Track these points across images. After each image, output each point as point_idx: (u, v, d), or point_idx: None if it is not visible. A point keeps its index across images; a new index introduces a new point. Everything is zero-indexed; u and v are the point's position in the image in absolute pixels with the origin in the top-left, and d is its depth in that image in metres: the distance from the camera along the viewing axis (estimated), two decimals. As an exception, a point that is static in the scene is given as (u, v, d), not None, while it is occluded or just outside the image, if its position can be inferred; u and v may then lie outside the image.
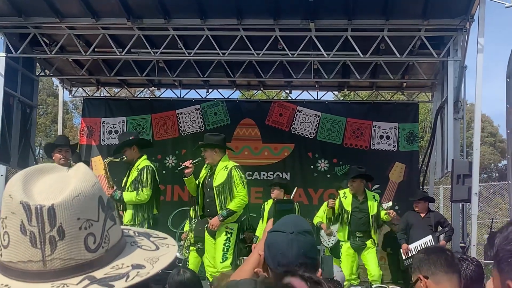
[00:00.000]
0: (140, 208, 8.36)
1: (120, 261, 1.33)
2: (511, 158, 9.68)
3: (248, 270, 2.83)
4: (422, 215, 10.59)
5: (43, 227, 1.25)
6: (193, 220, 9.87)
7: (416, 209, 10.62)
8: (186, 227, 10.87)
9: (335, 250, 10.26)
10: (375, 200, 9.93)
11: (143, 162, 8.48)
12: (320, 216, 10.48)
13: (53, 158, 8.83)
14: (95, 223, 1.30)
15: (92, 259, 1.29)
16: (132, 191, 8.30)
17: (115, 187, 8.72)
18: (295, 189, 11.04)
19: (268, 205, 10.63)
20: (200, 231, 9.04)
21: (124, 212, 8.54)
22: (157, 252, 1.39)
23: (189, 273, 3.68)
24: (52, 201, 1.26)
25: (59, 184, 1.31)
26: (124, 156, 8.58)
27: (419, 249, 9.81)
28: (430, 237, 10.02)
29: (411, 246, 10.07)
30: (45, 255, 1.26)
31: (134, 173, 8.41)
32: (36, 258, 1.26)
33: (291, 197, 10.47)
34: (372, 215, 9.73)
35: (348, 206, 9.81)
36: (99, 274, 1.29)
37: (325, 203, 10.72)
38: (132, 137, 8.74)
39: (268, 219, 9.90)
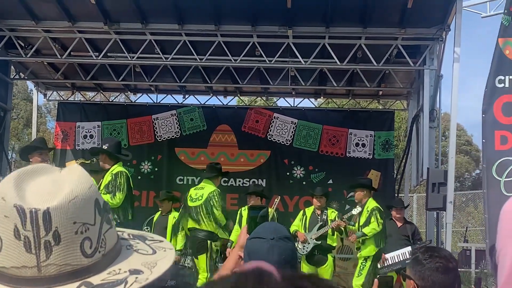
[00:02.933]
0: (114, 212, 8.30)
1: (117, 266, 1.28)
2: (485, 167, 9.80)
3: (227, 272, 2.80)
4: (399, 224, 10.63)
5: (38, 232, 1.20)
6: (146, 227, 10.98)
7: (398, 216, 10.65)
8: None
9: (311, 258, 10.26)
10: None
11: (117, 167, 8.45)
12: (296, 225, 10.47)
13: (31, 161, 8.65)
14: (91, 227, 1.25)
15: (88, 265, 1.24)
16: (105, 194, 8.24)
17: None
18: (277, 200, 11.14)
19: (245, 211, 10.68)
20: None
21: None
22: (154, 256, 1.34)
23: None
24: (48, 204, 1.21)
25: (53, 186, 1.26)
26: (94, 158, 8.54)
27: (396, 259, 9.87)
28: (409, 248, 9.99)
29: (388, 256, 10.06)
30: (40, 260, 1.20)
31: (108, 178, 8.38)
32: (31, 263, 1.20)
33: (274, 207, 10.56)
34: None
35: None
36: (95, 280, 1.24)
37: (301, 211, 10.76)
38: (108, 144, 8.70)
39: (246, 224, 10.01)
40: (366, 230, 9.87)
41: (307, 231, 10.29)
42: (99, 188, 8.40)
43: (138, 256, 1.33)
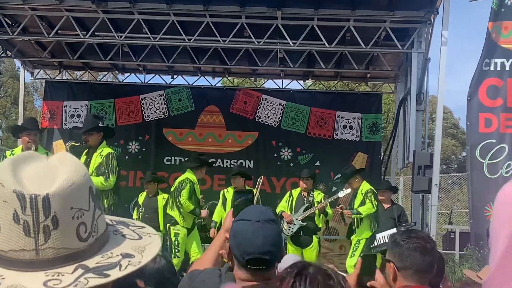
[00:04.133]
0: (106, 194, 8.26)
1: (108, 250, 1.35)
2: (469, 150, 9.90)
3: (213, 254, 2.85)
4: (386, 206, 10.66)
5: (38, 216, 1.25)
6: (141, 208, 11.04)
7: (382, 197, 10.66)
8: (134, 215, 11.05)
9: (296, 239, 10.32)
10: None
11: (106, 148, 8.39)
12: (283, 206, 10.53)
13: (20, 139, 8.64)
14: (86, 213, 1.31)
15: (83, 248, 1.30)
16: (98, 176, 8.15)
17: None
18: (260, 180, 11.22)
19: (229, 193, 10.71)
20: (146, 219, 10.34)
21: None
22: (141, 242, 1.41)
23: (164, 261, 3.54)
24: (47, 190, 1.26)
25: (48, 172, 1.31)
26: (83, 141, 8.48)
27: (381, 240, 9.94)
28: (394, 230, 10.03)
29: (377, 236, 10.12)
30: (39, 244, 1.26)
31: (97, 159, 8.26)
32: (29, 247, 1.26)
33: (257, 189, 10.64)
34: None
35: None
36: (90, 263, 1.30)
37: (288, 192, 10.82)
38: (100, 124, 8.69)
39: (231, 207, 10.11)
40: (361, 209, 9.91)
41: (293, 212, 10.35)
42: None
43: (126, 241, 1.40)
